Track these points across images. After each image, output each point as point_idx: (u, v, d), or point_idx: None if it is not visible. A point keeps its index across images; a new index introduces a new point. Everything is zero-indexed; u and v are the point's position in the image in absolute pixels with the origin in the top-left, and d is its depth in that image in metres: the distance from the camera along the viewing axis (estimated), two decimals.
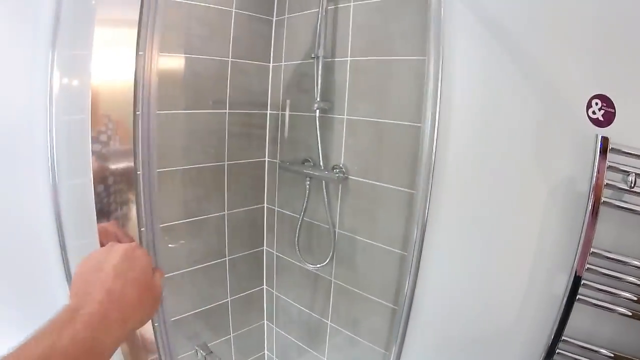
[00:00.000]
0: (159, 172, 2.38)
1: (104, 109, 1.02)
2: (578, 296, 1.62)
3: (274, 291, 3.21)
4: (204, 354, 2.76)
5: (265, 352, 3.47)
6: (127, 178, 1.07)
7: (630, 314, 1.52)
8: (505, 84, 1.78)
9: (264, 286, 3.25)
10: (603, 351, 1.59)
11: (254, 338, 3.33)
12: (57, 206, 1.94)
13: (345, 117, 2.39)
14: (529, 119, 1.73)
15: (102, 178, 1.06)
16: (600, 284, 1.57)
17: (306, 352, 3.05)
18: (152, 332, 1.33)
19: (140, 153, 1.05)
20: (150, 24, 1.11)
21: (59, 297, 2.02)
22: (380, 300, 2.42)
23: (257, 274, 3.19)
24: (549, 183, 1.71)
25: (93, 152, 1.01)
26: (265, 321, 3.36)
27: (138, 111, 1.08)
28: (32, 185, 1.90)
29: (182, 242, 2.63)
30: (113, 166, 1.04)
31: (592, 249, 1.56)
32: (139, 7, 1.08)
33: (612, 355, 1.58)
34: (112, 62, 1.07)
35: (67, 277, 2.00)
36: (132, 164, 1.06)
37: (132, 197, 1.10)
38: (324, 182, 2.53)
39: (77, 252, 1.97)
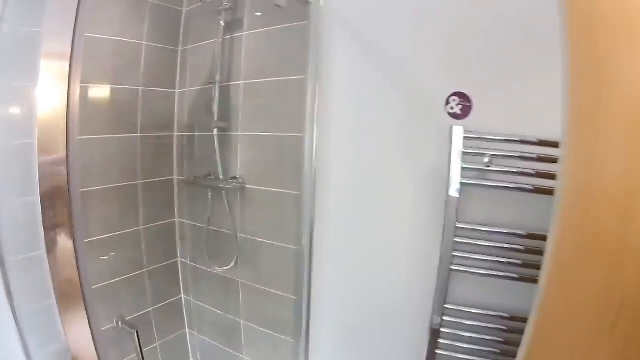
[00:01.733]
0: (82, 191, 2.37)
1: (47, 134, 1.04)
2: (451, 266, 1.78)
3: (192, 299, 3.25)
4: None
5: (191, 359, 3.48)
6: (62, 196, 1.08)
7: (517, 276, 1.66)
8: (375, 92, 1.98)
9: (182, 295, 3.29)
10: (490, 313, 1.75)
11: (178, 346, 3.35)
12: None
13: (240, 134, 2.53)
14: (397, 120, 1.94)
15: (45, 196, 1.05)
16: (472, 254, 1.74)
17: (227, 354, 3.10)
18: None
19: (69, 173, 1.07)
20: (76, 57, 1.17)
21: (3, 315, 2.07)
22: (283, 294, 2.52)
23: (174, 283, 3.23)
24: (417, 172, 1.90)
25: (39, 173, 1.01)
26: (187, 329, 3.38)
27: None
28: None
29: (113, 254, 2.67)
30: (53, 185, 1.05)
31: (457, 224, 1.74)
32: (71, 41, 1.15)
33: (503, 315, 1.73)
34: (52, 92, 1.12)
35: (6, 291, 2.05)
36: (66, 183, 1.07)
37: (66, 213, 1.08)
38: (224, 192, 2.65)
39: (15, 266, 2.03)
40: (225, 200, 2.64)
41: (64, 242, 0.99)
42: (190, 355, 3.43)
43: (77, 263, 1.02)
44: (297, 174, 2.21)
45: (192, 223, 3.03)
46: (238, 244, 2.65)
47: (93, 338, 1.15)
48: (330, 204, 2.16)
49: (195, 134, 2.84)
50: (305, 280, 2.31)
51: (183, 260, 3.18)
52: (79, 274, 1.00)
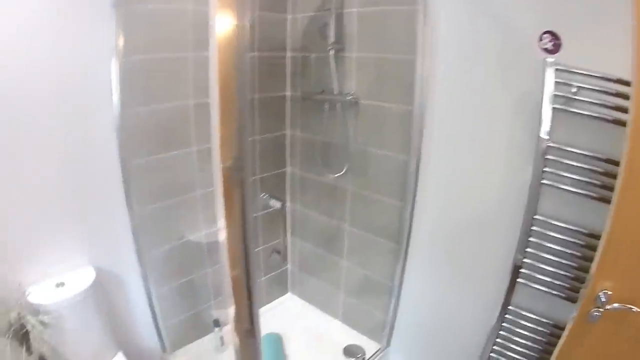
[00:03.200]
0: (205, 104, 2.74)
1: (224, 48, 1.12)
2: (542, 181, 2.08)
3: (297, 206, 3.63)
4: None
5: (289, 266, 3.92)
6: (234, 100, 1.01)
7: (597, 195, 1.94)
8: (477, 26, 2.25)
9: (288, 203, 3.66)
10: (571, 227, 2.04)
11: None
12: (119, 131, 2.45)
13: (354, 55, 2.79)
14: (496, 51, 2.21)
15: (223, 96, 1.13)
16: (559, 171, 2.03)
17: (327, 258, 3.51)
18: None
19: (239, 80, 1.02)
20: None
21: (119, 215, 2.60)
22: (389, 200, 2.84)
23: (281, 192, 3.61)
24: (513, 97, 2.19)
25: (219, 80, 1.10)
26: (288, 236, 3.77)
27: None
28: (99, 116, 2.41)
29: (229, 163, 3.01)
30: (229, 89, 1.12)
31: (549, 144, 2.04)
32: None
33: (582, 231, 2.01)
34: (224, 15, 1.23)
35: (125, 195, 2.57)
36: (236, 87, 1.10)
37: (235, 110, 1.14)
38: (338, 105, 2.93)
39: (134, 171, 2.54)
40: (340, 113, 2.91)
41: (232, 135, 1.10)
42: (289, 260, 3.86)
43: (240, 152, 1.13)
44: (408, 91, 2.47)
45: (303, 135, 3.34)
46: (349, 154, 2.93)
47: (245, 223, 1.18)
48: (437, 119, 2.44)
49: (310, 55, 3.10)
50: (411, 188, 2.59)
51: (292, 169, 3.53)
52: (242, 161, 1.11)
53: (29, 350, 2.17)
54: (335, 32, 2.82)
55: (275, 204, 3.34)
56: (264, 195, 3.37)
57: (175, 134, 2.79)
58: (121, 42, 2.30)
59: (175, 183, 2.90)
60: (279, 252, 3.51)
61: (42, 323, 2.17)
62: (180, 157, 2.84)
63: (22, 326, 2.11)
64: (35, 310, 2.23)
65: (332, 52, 2.83)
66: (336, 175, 3.06)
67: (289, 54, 3.27)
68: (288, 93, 3.36)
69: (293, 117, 3.40)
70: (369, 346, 3.30)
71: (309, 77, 3.19)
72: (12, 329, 2.08)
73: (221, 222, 0.99)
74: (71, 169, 2.38)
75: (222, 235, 1.02)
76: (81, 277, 2.46)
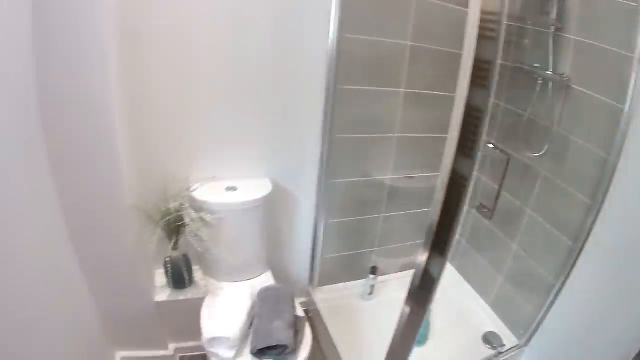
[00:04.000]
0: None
1: None
2: None
3: (483, 177, 3.60)
4: None
5: (456, 235, 3.80)
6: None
7: None
8: None
9: (474, 171, 3.51)
10: None
11: None
12: (331, 56, 2.57)
13: (573, 37, 2.67)
14: None
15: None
16: None
17: (496, 237, 3.50)
18: None
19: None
20: None
21: (310, 137, 2.76)
22: (578, 195, 2.72)
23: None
24: None
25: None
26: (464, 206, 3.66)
27: None
28: (314, 38, 2.54)
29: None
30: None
31: None
32: None
33: None
34: None
35: (323, 119, 2.71)
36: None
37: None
38: (551, 85, 2.82)
39: (336, 98, 2.66)
40: (550, 92, 2.80)
41: (481, 91, 1.09)
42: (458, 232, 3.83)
43: (486, 110, 1.11)
44: (622, 89, 2.34)
45: (507, 106, 3.27)
46: (551, 136, 2.82)
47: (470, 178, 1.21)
48: None
49: (526, 26, 3.02)
50: (604, 188, 2.48)
51: (487, 138, 3.28)
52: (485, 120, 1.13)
53: (176, 244, 2.34)
54: (557, 10, 2.71)
55: (502, 156, 3.29)
56: (492, 146, 3.36)
57: (386, 71, 2.87)
58: None
59: (374, 120, 3.00)
60: (485, 208, 3.49)
61: (203, 220, 2.32)
62: (385, 95, 2.93)
63: (179, 218, 2.26)
64: (199, 208, 2.39)
65: (552, 29, 2.74)
66: (534, 155, 2.98)
67: (504, 22, 3.12)
68: (498, 62, 3.21)
69: (499, 87, 3.25)
70: (508, 339, 3.28)
71: (522, 49, 3.11)
72: (168, 218, 2.22)
73: (443, 172, 1.06)
74: (276, 83, 2.55)
75: (439, 186, 1.09)
76: (255, 188, 2.62)
